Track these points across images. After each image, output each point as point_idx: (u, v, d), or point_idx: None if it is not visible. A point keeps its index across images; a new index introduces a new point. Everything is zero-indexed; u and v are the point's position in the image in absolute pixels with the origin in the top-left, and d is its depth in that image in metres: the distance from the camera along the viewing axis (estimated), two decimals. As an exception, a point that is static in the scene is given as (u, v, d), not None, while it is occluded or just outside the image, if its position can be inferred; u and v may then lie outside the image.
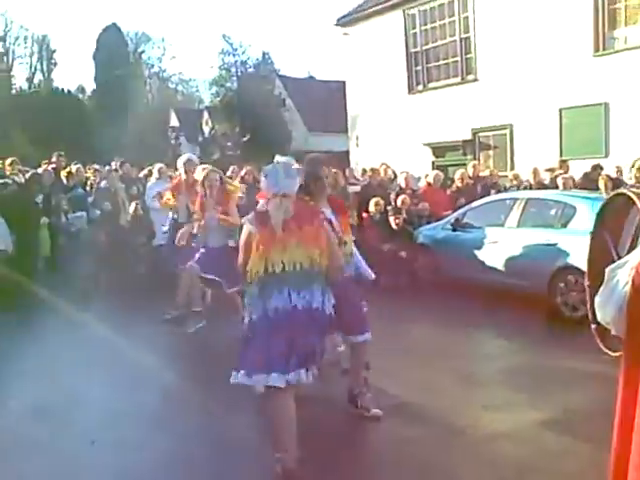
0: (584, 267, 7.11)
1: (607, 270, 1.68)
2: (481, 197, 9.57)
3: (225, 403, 4.67)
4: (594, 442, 3.92)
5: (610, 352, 2.77)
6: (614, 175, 9.83)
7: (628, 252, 2.10)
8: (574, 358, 5.76)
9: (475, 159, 14.33)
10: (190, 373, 5.42)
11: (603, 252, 2.82)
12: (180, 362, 5.82)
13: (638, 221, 2.91)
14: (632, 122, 11.40)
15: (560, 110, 12.76)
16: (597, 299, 1.72)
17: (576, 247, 7.27)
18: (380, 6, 16.36)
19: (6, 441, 4.14)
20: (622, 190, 3.03)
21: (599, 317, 1.76)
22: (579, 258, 7.17)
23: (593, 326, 4.14)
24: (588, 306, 3.28)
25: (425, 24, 15.63)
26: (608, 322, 1.67)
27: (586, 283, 3.28)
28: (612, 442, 1.53)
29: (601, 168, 10.23)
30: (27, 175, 9.44)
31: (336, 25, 18.06)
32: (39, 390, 5.06)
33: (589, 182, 9.64)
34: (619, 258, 2.71)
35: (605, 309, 1.65)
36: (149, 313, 7.33)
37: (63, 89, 43.16)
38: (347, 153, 18.92)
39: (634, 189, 3.63)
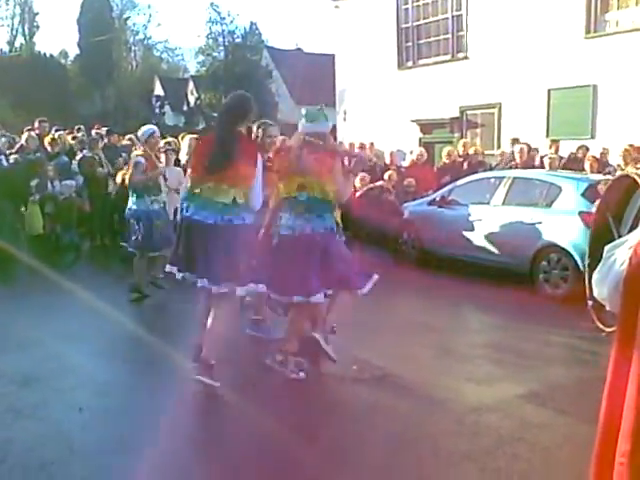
0: (567, 246, 7.34)
1: (605, 249, 1.73)
2: (467, 175, 9.63)
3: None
4: (572, 415, 4.05)
5: (605, 328, 2.85)
6: (599, 157, 9.92)
7: (629, 232, 2.15)
8: (554, 334, 5.90)
9: (462, 137, 14.38)
10: (175, 341, 5.43)
11: (605, 232, 2.88)
12: (167, 330, 5.83)
13: None
14: (619, 105, 11.49)
15: (549, 90, 12.81)
16: (595, 276, 1.77)
17: (560, 226, 7.39)
18: (372, -21, 16.20)
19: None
20: (627, 172, 3.09)
21: (595, 293, 1.81)
22: (562, 237, 7.29)
23: (590, 303, 4.31)
24: (586, 283, 3.39)
25: (417, 0, 15.50)
26: (604, 298, 1.72)
27: (586, 261, 3.36)
28: (600, 415, 1.58)
29: (587, 149, 10.32)
30: (33, 156, 9.27)
31: (327, -3, 17.86)
32: (26, 359, 5.05)
33: (575, 163, 9.73)
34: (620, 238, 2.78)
35: (602, 286, 1.70)
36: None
37: (45, 53, 42.28)
38: (334, 127, 18.84)
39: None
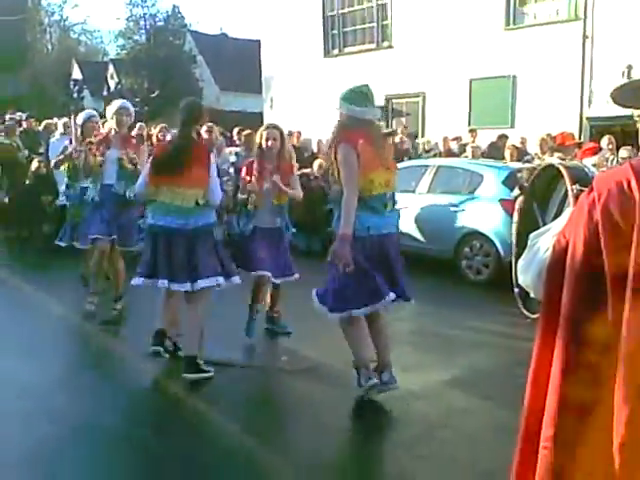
0: (488, 233, 7.55)
1: (530, 236, 1.75)
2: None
3: (136, 369, 4.58)
4: (497, 400, 4.16)
5: (529, 314, 2.92)
6: (519, 145, 10.25)
7: (553, 220, 2.20)
8: (478, 320, 6.04)
9: (388, 125, 14.55)
10: (98, 338, 5.25)
11: (531, 221, 2.95)
12: (86, 326, 5.60)
13: (564, 192, 3.08)
14: (537, 95, 11.92)
15: (470, 80, 13.14)
16: (519, 263, 1.80)
17: (482, 214, 7.58)
18: (298, -35, 16.08)
19: None
20: (551, 162, 3.17)
21: (520, 280, 1.83)
22: (485, 224, 7.49)
23: (516, 290, 4.48)
24: (513, 271, 3.51)
25: (342, -13, 15.53)
26: (528, 285, 1.75)
27: (514, 250, 3.45)
28: (525, 401, 1.60)
29: (506, 137, 10.64)
30: None
31: (252, -18, 17.62)
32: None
33: (495, 151, 10.01)
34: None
35: (526, 273, 1.72)
36: (55, 276, 7.02)
37: (-48, 32, 39.85)
38: (261, 115, 18.67)
39: (564, 161, 3.86)
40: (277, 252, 5.12)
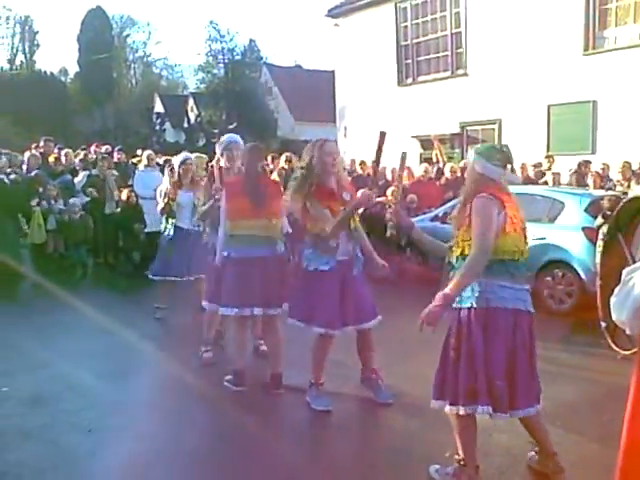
0: (571, 261, 7.34)
1: (624, 272, 1.73)
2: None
3: (221, 391, 4.72)
4: (583, 434, 4.05)
5: (620, 350, 2.82)
6: (600, 172, 9.98)
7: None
8: (560, 350, 5.87)
9: (463, 153, 14.46)
10: (186, 361, 5.43)
11: (616, 253, 2.88)
12: (175, 350, 5.82)
13: None
14: (619, 120, 11.57)
15: (549, 106, 12.90)
16: (613, 300, 1.77)
17: (564, 242, 7.40)
18: (372, -2, 16.37)
19: (3, 431, 4.13)
20: (637, 194, 3.10)
21: (614, 317, 1.80)
22: (567, 253, 7.30)
23: (603, 324, 4.20)
24: (599, 304, 3.35)
25: (416, 18, 15.66)
26: (624, 322, 1.72)
27: (597, 282, 3.35)
28: (622, 438, 1.58)
29: (589, 163, 10.37)
30: (33, 173, 9.30)
31: (327, 16, 18.02)
32: (35, 379, 5.04)
33: (580, 178, 9.77)
34: (633, 260, 2.77)
35: (620, 310, 1.70)
36: (145, 301, 7.33)
37: (45, 71, 42.57)
38: (335, 144, 18.89)
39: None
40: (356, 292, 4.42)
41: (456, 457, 3.34)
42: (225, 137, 5.48)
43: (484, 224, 3.06)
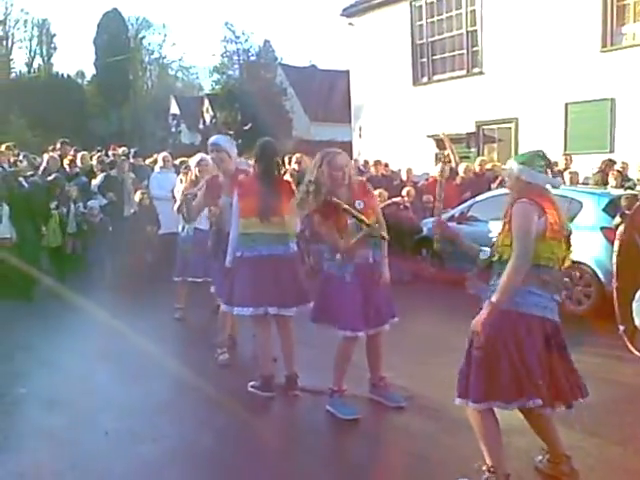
0: (590, 262, 7.26)
1: (647, 274, 1.69)
2: (487, 190, 9.59)
3: (236, 394, 4.72)
4: (602, 437, 3.99)
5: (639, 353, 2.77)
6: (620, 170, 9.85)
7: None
8: (578, 352, 5.64)
9: (479, 152, 14.37)
10: (201, 363, 5.44)
11: (633, 254, 2.82)
12: (190, 352, 5.85)
13: None
14: (638, 118, 11.42)
15: (566, 105, 12.77)
16: (635, 304, 1.73)
17: (581, 242, 7.27)
18: (386, -3, 16.31)
19: (22, 432, 4.18)
20: None
21: (637, 322, 1.76)
22: (585, 253, 7.21)
23: (621, 327, 4.06)
24: (616, 307, 3.30)
25: (432, 16, 15.57)
26: (647, 326, 1.68)
27: (614, 284, 3.29)
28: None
29: (614, 163, 10.24)
30: (51, 177, 9.39)
31: (341, 15, 17.99)
32: (53, 381, 5.09)
33: (605, 177, 9.64)
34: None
35: (644, 314, 1.66)
36: (159, 303, 7.36)
37: (62, 74, 43.01)
38: (350, 144, 18.91)
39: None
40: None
41: (484, 467, 3.28)
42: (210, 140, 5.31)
43: (523, 228, 3.04)
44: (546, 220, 3.07)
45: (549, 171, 3.26)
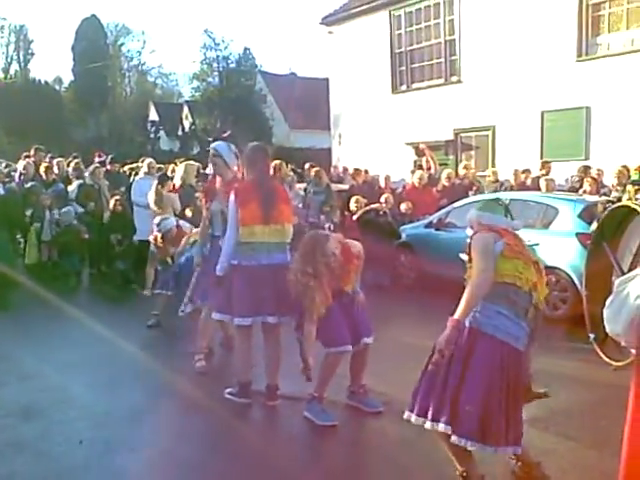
0: (565, 268, 7.32)
1: (616, 282, 1.70)
2: (464, 197, 9.66)
3: (214, 400, 4.68)
4: (577, 441, 4.03)
5: (612, 362, 2.78)
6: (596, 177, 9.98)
7: (632, 264, 2.12)
8: (554, 357, 5.82)
9: (457, 159, 14.49)
10: (179, 370, 5.40)
11: (602, 262, 2.85)
12: (168, 359, 5.79)
13: None
14: (612, 126, 11.60)
15: (542, 113, 12.92)
16: (606, 311, 1.73)
17: (558, 248, 7.39)
18: (366, 6, 16.38)
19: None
20: (625, 202, 3.08)
21: (608, 329, 1.76)
22: (560, 259, 7.29)
23: (591, 336, 4.03)
24: (586, 315, 3.30)
25: (410, 25, 15.69)
26: (619, 334, 1.68)
27: (583, 292, 3.31)
28: (624, 443, 1.56)
29: (589, 169, 10.38)
30: (28, 185, 9.27)
31: (321, 24, 18.06)
32: (26, 390, 5.01)
33: (582, 183, 9.75)
34: (620, 269, 2.73)
35: (615, 322, 1.66)
36: (134, 311, 7.29)
37: (40, 80, 42.54)
38: (329, 150, 18.96)
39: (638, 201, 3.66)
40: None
41: (457, 472, 3.28)
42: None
43: (481, 247, 3.10)
44: (504, 242, 3.11)
45: (508, 215, 3.38)
